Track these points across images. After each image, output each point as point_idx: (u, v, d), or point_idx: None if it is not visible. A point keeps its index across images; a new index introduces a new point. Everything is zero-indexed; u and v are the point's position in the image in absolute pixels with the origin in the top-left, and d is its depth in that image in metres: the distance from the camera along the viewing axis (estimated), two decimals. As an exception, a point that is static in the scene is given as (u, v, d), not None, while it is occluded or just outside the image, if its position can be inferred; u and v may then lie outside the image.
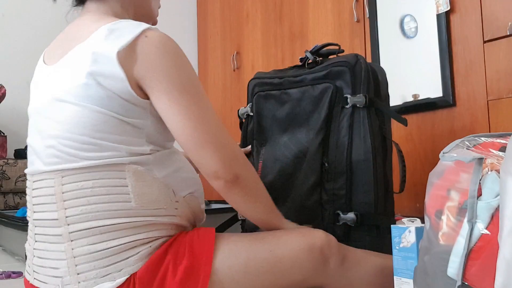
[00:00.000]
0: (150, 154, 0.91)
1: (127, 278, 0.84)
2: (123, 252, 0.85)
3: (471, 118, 1.64)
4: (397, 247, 1.09)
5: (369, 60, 2.03)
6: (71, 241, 0.85)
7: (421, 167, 1.80)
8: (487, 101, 1.59)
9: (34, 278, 0.91)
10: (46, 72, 0.98)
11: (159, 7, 1.15)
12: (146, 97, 0.91)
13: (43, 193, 0.89)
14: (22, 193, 2.25)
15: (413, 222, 1.13)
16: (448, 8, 1.70)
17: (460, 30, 1.68)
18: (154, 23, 1.12)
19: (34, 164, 0.93)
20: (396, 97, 1.90)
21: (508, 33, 1.51)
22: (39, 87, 0.97)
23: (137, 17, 1.04)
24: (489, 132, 1.57)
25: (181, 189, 0.95)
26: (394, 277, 1.10)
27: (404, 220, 1.15)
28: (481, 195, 0.80)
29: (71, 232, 0.85)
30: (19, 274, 1.47)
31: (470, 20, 1.65)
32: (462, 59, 1.68)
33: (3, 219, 1.69)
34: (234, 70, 2.91)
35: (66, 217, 0.85)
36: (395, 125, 1.91)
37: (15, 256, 1.72)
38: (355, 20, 2.09)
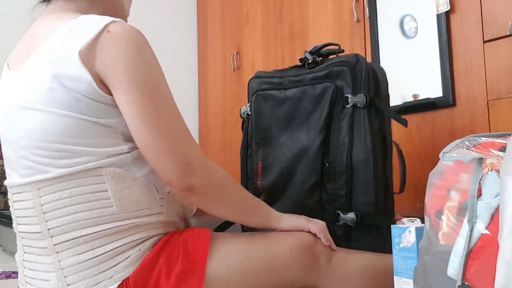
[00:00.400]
0: (128, 152, 0.87)
1: (119, 285, 0.82)
2: (111, 259, 0.82)
3: (471, 118, 1.64)
4: (397, 247, 1.09)
5: (369, 60, 2.03)
6: (57, 253, 0.83)
7: (421, 167, 1.80)
8: (487, 101, 1.59)
9: None
10: (10, 78, 0.92)
11: (129, 6, 1.11)
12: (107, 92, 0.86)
13: (24, 206, 0.87)
14: (22, 193, 2.25)
15: (413, 222, 1.13)
16: (448, 8, 1.70)
17: (460, 30, 1.68)
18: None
19: (10, 176, 0.90)
20: (396, 97, 1.90)
21: (508, 33, 1.51)
22: (4, 95, 0.92)
23: (107, 14, 0.96)
24: (489, 132, 1.57)
25: (164, 184, 0.92)
26: (394, 277, 1.10)
27: (404, 220, 1.15)
28: (481, 195, 0.80)
29: (56, 244, 0.83)
30: (19, 274, 1.48)
31: (470, 20, 1.65)
32: (462, 59, 1.68)
33: (3, 219, 1.69)
34: (234, 70, 2.91)
35: (48, 229, 0.83)
36: (395, 125, 1.91)
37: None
38: (355, 20, 2.09)
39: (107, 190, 0.83)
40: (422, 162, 1.80)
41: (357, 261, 1.07)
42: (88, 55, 0.82)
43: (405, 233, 1.08)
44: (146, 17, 3.24)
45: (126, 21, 1.02)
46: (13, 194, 0.90)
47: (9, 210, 2.18)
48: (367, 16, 2.03)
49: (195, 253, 0.87)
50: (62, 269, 0.82)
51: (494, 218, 0.77)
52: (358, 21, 2.09)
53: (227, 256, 0.90)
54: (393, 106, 1.91)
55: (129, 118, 0.84)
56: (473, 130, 1.62)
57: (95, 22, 0.85)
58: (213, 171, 0.93)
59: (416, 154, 1.82)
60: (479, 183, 0.80)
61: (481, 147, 0.87)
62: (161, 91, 0.87)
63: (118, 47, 0.83)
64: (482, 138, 0.90)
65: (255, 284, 0.92)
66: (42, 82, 0.83)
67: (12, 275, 1.47)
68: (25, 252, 0.89)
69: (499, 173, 0.80)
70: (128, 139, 0.88)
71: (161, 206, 0.90)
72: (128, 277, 0.83)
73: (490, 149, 0.85)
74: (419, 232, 1.01)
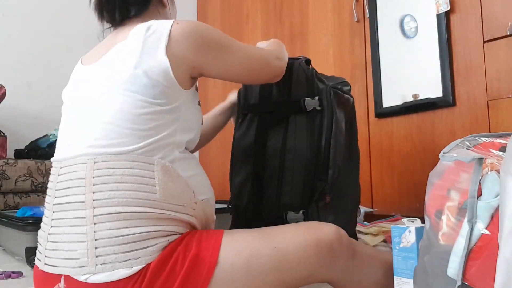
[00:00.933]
0: (179, 152, 0.97)
1: (143, 267, 0.85)
2: (143, 241, 0.86)
3: (471, 118, 1.64)
4: (397, 247, 1.09)
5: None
6: (95, 224, 0.86)
7: (421, 167, 1.80)
8: (487, 101, 1.59)
9: (45, 264, 0.91)
10: (86, 71, 1.03)
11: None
12: (187, 86, 0.99)
13: (72, 177, 0.91)
14: (22, 193, 2.25)
15: (413, 222, 1.13)
16: (448, 8, 1.70)
17: (460, 30, 1.68)
18: None
19: (67, 150, 0.96)
20: (396, 97, 1.90)
21: (508, 33, 1.51)
22: (79, 85, 1.03)
23: None
24: (489, 132, 1.57)
25: (199, 192, 0.98)
26: (394, 277, 1.10)
27: (404, 220, 1.15)
28: (481, 195, 0.80)
29: (96, 215, 0.86)
30: (19, 274, 1.47)
31: (470, 20, 1.65)
32: (462, 59, 1.68)
33: (3, 219, 1.69)
34: (234, 70, 2.92)
35: (94, 200, 0.87)
36: (395, 125, 1.91)
37: (15, 256, 1.72)
38: (355, 20, 2.09)
39: (154, 178, 0.90)
40: (422, 162, 1.80)
41: (380, 265, 1.07)
42: (169, 45, 0.95)
43: (405, 233, 1.08)
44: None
45: None
46: (61, 168, 0.95)
47: (9, 210, 2.18)
48: (367, 16, 2.03)
49: (208, 242, 0.91)
50: (96, 240, 0.85)
51: (494, 218, 0.77)
52: (358, 21, 2.09)
53: (233, 254, 0.91)
54: (393, 106, 1.91)
55: (232, 76, 1.08)
56: (473, 130, 1.62)
57: (163, 20, 1.00)
58: (284, 62, 1.22)
59: (416, 154, 1.82)
60: (479, 183, 0.80)
61: (481, 147, 0.87)
62: (236, 46, 1.08)
63: (192, 32, 0.98)
64: (482, 138, 0.90)
65: (262, 283, 0.92)
66: (126, 69, 0.93)
67: (12, 275, 1.47)
68: (52, 226, 0.92)
69: (499, 173, 0.80)
70: (181, 142, 0.99)
71: (194, 209, 0.96)
72: (151, 262, 0.86)
73: (490, 149, 0.85)
74: (419, 232, 1.01)
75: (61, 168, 0.95)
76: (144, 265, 0.85)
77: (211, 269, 0.88)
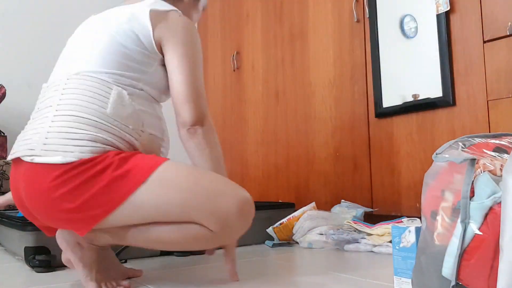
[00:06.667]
0: (139, 90, 1.16)
1: (75, 160, 1.03)
2: (81, 140, 1.05)
3: (471, 118, 1.64)
4: (397, 247, 1.09)
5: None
6: (52, 121, 1.08)
7: (421, 167, 1.80)
8: (487, 101, 1.59)
9: (11, 154, 1.13)
10: (89, 20, 1.27)
11: (197, 19, 1.47)
12: (161, 52, 1.19)
13: (51, 90, 1.14)
14: (22, 193, 2.25)
15: (413, 222, 1.13)
16: (448, 8, 1.70)
17: (460, 30, 1.68)
18: None
19: (55, 73, 1.19)
20: (396, 97, 1.91)
21: (508, 33, 1.51)
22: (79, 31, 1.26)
23: None
24: (489, 132, 1.57)
25: (149, 126, 1.16)
26: (394, 277, 1.10)
27: (404, 220, 1.15)
28: (473, 195, 0.80)
29: (55, 115, 1.08)
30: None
31: (470, 20, 1.65)
32: (462, 59, 1.68)
33: (4, 219, 1.69)
34: (234, 70, 2.91)
35: (58, 104, 1.10)
36: (395, 125, 1.91)
37: (16, 256, 1.72)
38: (355, 20, 2.10)
39: (108, 98, 1.11)
40: (422, 162, 1.80)
41: None
42: (156, 17, 1.18)
43: (405, 233, 1.08)
44: (146, 17, 3.25)
45: None
46: (47, 87, 1.18)
47: (9, 210, 2.17)
48: (367, 16, 2.03)
49: (146, 164, 1.06)
50: (47, 132, 1.07)
51: (487, 219, 0.78)
52: (358, 21, 2.09)
53: (155, 182, 1.05)
54: (393, 106, 1.91)
55: (172, 69, 1.18)
56: (473, 130, 1.62)
57: (167, 4, 1.23)
58: (213, 131, 1.21)
59: (416, 154, 1.82)
60: (472, 184, 0.81)
61: (475, 148, 0.87)
62: (198, 63, 1.21)
63: (182, 24, 1.20)
64: (477, 139, 0.90)
65: (166, 211, 1.06)
66: (122, 19, 1.18)
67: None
68: (27, 125, 1.15)
69: (492, 174, 0.80)
70: (146, 86, 1.18)
71: (139, 136, 1.14)
72: (83, 158, 1.03)
73: (483, 150, 0.86)
74: (419, 232, 1.01)
75: (47, 87, 1.18)
76: (77, 159, 1.03)
77: (137, 185, 1.03)
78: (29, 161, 1.05)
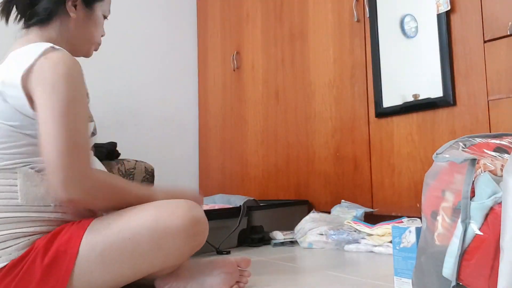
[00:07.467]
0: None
1: (6, 264, 0.96)
2: (4, 242, 0.97)
3: (471, 118, 1.64)
4: (397, 247, 1.09)
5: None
6: None
7: (421, 167, 1.80)
8: (487, 101, 1.59)
9: None
10: None
11: (102, 35, 1.27)
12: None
13: None
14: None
15: (413, 222, 1.13)
16: (449, 8, 1.70)
17: (460, 30, 1.68)
18: (95, 48, 1.27)
19: None
20: (396, 97, 1.90)
21: (508, 33, 1.51)
22: None
23: (73, 42, 1.19)
24: (490, 132, 1.57)
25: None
26: (394, 277, 1.10)
27: (404, 220, 1.15)
28: (474, 195, 0.80)
29: None
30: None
31: (470, 20, 1.65)
32: (462, 59, 1.68)
33: None
34: (234, 70, 2.91)
35: None
36: (395, 125, 1.91)
37: None
38: (355, 20, 2.09)
39: (16, 185, 1.00)
40: (422, 162, 1.80)
41: None
42: (26, 78, 1.00)
43: (405, 233, 1.08)
44: (146, 17, 3.24)
45: (95, 49, 1.27)
46: None
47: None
48: (367, 16, 2.03)
49: (72, 235, 0.99)
50: None
51: (488, 219, 0.77)
52: (358, 21, 2.09)
53: (88, 249, 0.98)
54: (393, 106, 1.91)
55: (40, 124, 0.99)
56: (473, 130, 1.62)
57: (36, 48, 1.03)
58: (93, 185, 1.01)
59: (416, 154, 1.82)
60: (472, 184, 0.80)
61: (476, 148, 0.87)
62: (72, 112, 0.99)
63: (50, 70, 1.00)
64: (477, 139, 0.90)
65: (119, 272, 1.01)
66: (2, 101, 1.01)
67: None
68: None
69: (492, 174, 0.80)
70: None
71: (62, 208, 1.03)
72: (12, 260, 0.96)
73: (484, 150, 0.85)
74: (419, 232, 1.01)
75: None
76: (7, 262, 0.96)
77: (72, 260, 0.96)
78: None
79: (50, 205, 1.02)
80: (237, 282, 1.13)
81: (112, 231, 1.00)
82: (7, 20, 1.20)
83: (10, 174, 1.01)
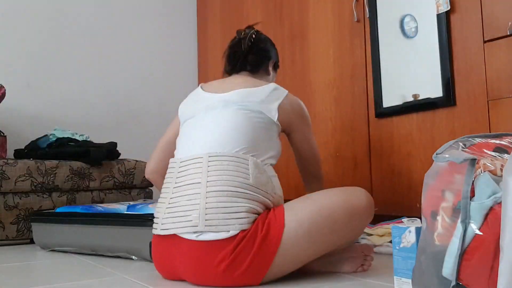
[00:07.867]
0: (269, 158, 1.35)
1: (237, 232, 1.16)
2: (238, 213, 1.19)
3: (471, 118, 1.64)
4: (397, 247, 1.09)
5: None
6: (206, 198, 1.20)
7: (422, 167, 1.80)
8: (487, 101, 1.59)
9: (162, 229, 1.24)
10: (210, 96, 1.43)
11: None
12: (282, 125, 1.43)
13: (192, 167, 1.27)
14: (22, 193, 2.24)
15: (413, 222, 1.13)
16: (448, 8, 1.70)
17: (460, 30, 1.68)
18: None
19: (188, 151, 1.32)
20: (396, 97, 1.90)
21: (508, 33, 1.51)
22: (202, 105, 1.42)
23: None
24: (489, 132, 1.57)
25: (276, 190, 1.32)
26: (394, 277, 1.10)
27: (404, 220, 1.15)
28: (474, 195, 0.80)
29: (208, 192, 1.21)
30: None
31: (470, 20, 1.64)
32: (462, 59, 1.68)
33: (115, 219, 1.75)
34: (234, 70, 2.91)
35: (207, 181, 1.22)
36: (395, 125, 1.91)
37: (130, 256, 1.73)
38: (355, 20, 2.09)
39: (248, 169, 1.26)
40: (422, 162, 1.80)
41: None
42: (282, 108, 1.40)
43: (405, 233, 1.08)
44: (146, 17, 3.24)
45: None
46: (181, 162, 1.31)
47: (9, 210, 2.16)
48: (367, 16, 2.03)
49: (277, 216, 1.23)
50: (206, 209, 1.19)
51: (488, 219, 0.77)
52: (358, 21, 2.09)
53: (296, 228, 1.21)
54: (393, 106, 1.91)
55: (301, 146, 1.59)
56: (473, 130, 1.62)
57: (283, 90, 1.47)
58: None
59: (416, 154, 1.82)
60: (472, 184, 0.80)
61: (476, 148, 0.87)
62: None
63: (294, 107, 1.48)
64: (477, 139, 0.90)
65: (320, 244, 1.25)
66: (252, 105, 1.36)
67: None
68: (169, 203, 1.26)
69: (492, 174, 0.80)
70: (271, 156, 1.37)
71: (273, 197, 1.29)
72: (242, 230, 1.17)
73: (484, 150, 0.85)
74: (419, 232, 1.01)
75: (181, 162, 1.31)
76: (238, 231, 1.16)
77: (280, 232, 1.19)
78: (194, 238, 1.18)
79: (267, 192, 1.27)
80: (362, 265, 1.36)
81: (314, 210, 1.24)
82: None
83: (243, 160, 1.26)
